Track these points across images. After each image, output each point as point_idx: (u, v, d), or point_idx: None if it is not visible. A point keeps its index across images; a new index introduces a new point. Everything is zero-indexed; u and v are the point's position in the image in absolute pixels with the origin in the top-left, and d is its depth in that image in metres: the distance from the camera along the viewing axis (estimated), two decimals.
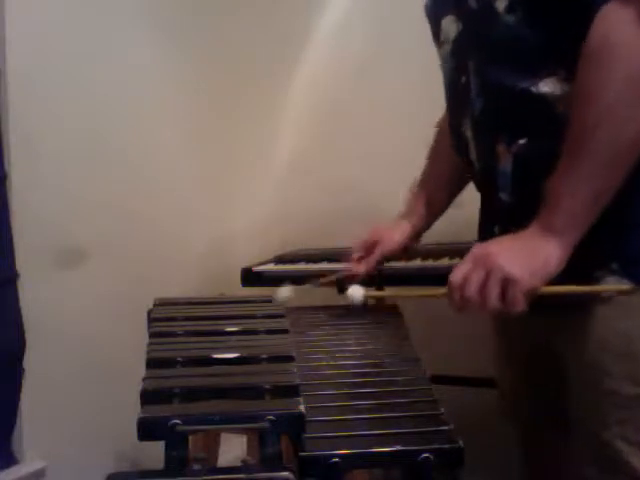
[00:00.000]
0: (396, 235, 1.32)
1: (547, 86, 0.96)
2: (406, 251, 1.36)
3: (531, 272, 0.91)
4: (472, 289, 0.92)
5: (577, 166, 0.90)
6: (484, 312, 0.93)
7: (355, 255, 1.34)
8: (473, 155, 1.10)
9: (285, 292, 1.30)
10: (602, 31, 0.87)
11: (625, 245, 0.96)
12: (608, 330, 0.97)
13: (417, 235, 1.34)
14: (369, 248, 1.33)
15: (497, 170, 1.04)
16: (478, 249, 0.95)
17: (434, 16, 1.13)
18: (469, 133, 1.10)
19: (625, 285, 0.94)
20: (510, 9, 0.96)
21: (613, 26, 0.87)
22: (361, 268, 1.31)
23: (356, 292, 1.22)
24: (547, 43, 0.95)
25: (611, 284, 0.96)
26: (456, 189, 1.29)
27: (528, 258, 0.91)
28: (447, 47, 1.11)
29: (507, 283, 0.90)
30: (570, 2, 0.92)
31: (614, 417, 0.97)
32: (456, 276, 0.94)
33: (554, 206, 0.92)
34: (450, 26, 1.08)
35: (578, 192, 0.90)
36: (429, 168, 1.33)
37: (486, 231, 1.14)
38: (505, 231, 1.07)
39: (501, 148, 1.02)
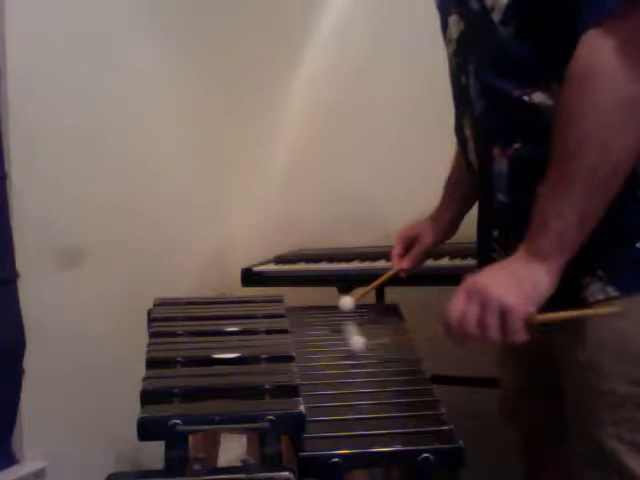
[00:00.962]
0: (432, 232, 1.34)
1: (539, 97, 0.96)
2: (441, 246, 1.38)
3: (524, 299, 0.91)
4: (471, 324, 0.92)
5: (561, 189, 0.90)
6: (486, 343, 0.93)
7: (395, 254, 1.35)
8: (472, 155, 1.11)
9: (347, 303, 1.30)
10: (586, 55, 0.87)
11: (611, 252, 0.96)
12: (604, 330, 0.96)
13: (451, 230, 1.35)
14: (409, 244, 1.35)
15: (493, 171, 1.04)
16: (469, 282, 0.94)
17: (443, 12, 1.13)
18: (468, 133, 1.10)
19: (615, 308, 0.94)
20: (504, 22, 0.97)
21: (597, 51, 0.87)
22: (404, 264, 1.33)
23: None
24: (539, 57, 0.95)
25: (600, 294, 0.96)
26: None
27: (519, 285, 0.91)
28: (452, 45, 1.11)
29: (504, 313, 0.90)
30: (560, 20, 0.92)
31: (610, 417, 0.97)
32: (452, 313, 0.93)
33: (540, 229, 0.92)
34: (454, 24, 1.08)
35: (564, 215, 0.90)
36: (454, 168, 1.33)
37: (484, 231, 1.14)
38: (503, 232, 1.07)
39: (497, 151, 1.03)
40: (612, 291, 0.95)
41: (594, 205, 0.90)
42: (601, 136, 0.87)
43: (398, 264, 1.35)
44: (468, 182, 1.28)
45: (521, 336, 0.91)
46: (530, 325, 0.92)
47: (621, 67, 0.85)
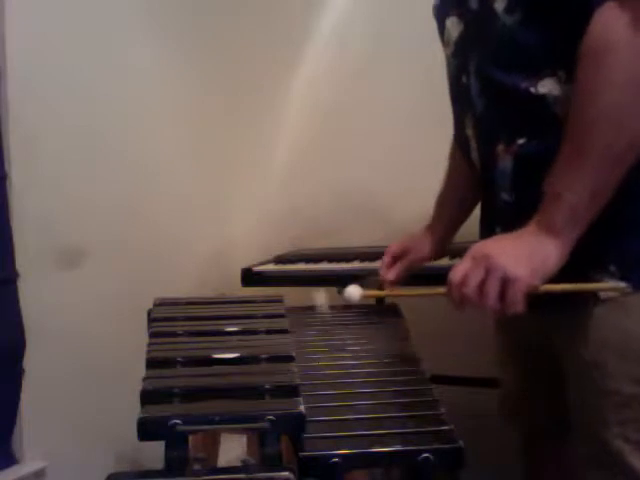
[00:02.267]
0: (425, 246, 1.33)
1: (545, 87, 0.96)
2: (434, 260, 1.37)
3: (531, 271, 0.91)
4: (471, 287, 0.92)
5: (575, 163, 0.90)
6: (483, 310, 0.93)
7: (383, 265, 1.34)
8: (474, 155, 1.11)
9: (322, 299, 1.30)
10: (600, 31, 0.87)
11: (623, 248, 0.96)
12: (608, 329, 0.97)
13: (444, 245, 1.34)
14: (399, 256, 1.33)
15: (497, 170, 1.04)
16: (477, 247, 0.95)
17: (440, 16, 1.13)
18: (470, 132, 1.10)
19: (621, 285, 0.94)
20: (509, 10, 0.97)
21: (611, 26, 0.87)
22: (390, 275, 1.32)
23: (353, 292, 1.23)
24: (545, 44, 0.95)
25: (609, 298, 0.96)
26: (477, 197, 1.29)
27: (527, 257, 0.91)
28: (450, 47, 1.11)
29: (507, 283, 0.90)
30: (568, 3, 0.92)
31: (614, 417, 0.97)
32: (456, 274, 0.94)
33: (552, 203, 0.92)
34: (453, 26, 1.09)
35: (576, 189, 0.90)
36: (448, 178, 1.33)
37: (487, 231, 1.15)
38: (506, 231, 1.07)
39: (500, 148, 1.03)
40: (623, 285, 0.95)
41: (607, 181, 0.90)
42: (616, 112, 0.87)
43: (383, 275, 1.33)
44: (457, 201, 1.28)
45: (519, 308, 0.91)
46: (530, 296, 0.91)
47: (636, 43, 0.85)
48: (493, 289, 0.91)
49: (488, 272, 0.91)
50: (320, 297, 1.29)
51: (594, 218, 0.91)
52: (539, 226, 0.92)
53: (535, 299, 0.92)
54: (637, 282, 0.95)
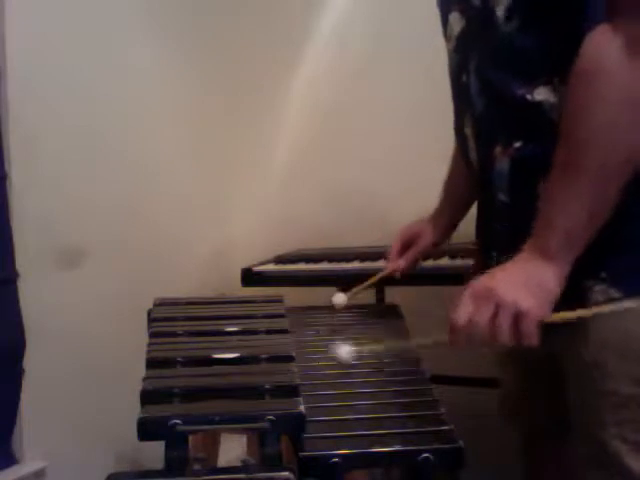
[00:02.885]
0: (431, 232, 1.35)
1: (541, 95, 0.96)
2: (439, 248, 1.39)
3: (539, 302, 0.89)
4: (481, 327, 0.89)
5: (568, 186, 0.89)
6: (495, 347, 0.92)
7: (393, 252, 1.35)
8: (473, 155, 1.10)
9: (340, 299, 1.34)
10: (592, 53, 0.87)
11: (614, 255, 0.96)
12: (608, 330, 0.96)
13: (443, 240, 1.36)
14: (406, 245, 1.35)
15: (494, 171, 1.04)
16: (477, 286, 0.92)
17: (443, 10, 1.13)
18: (469, 132, 1.10)
19: (619, 303, 0.94)
20: (508, 16, 0.97)
21: (603, 49, 0.86)
22: (401, 264, 1.34)
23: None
24: (542, 49, 0.95)
25: (603, 296, 0.95)
26: (474, 197, 1.29)
27: (531, 287, 0.89)
28: (452, 42, 1.11)
29: (519, 317, 0.88)
30: (566, 15, 0.92)
31: (612, 417, 0.97)
32: (461, 317, 0.91)
33: (546, 227, 0.91)
34: (455, 22, 1.08)
35: (571, 212, 0.89)
36: (451, 171, 1.34)
37: (485, 231, 1.14)
38: (503, 230, 1.07)
39: (498, 150, 1.02)
40: (614, 292, 0.95)
41: (602, 202, 0.89)
42: (609, 134, 0.86)
43: (394, 262, 1.36)
44: (464, 186, 1.28)
45: (535, 340, 0.89)
46: (541, 326, 0.90)
47: (627, 66, 0.85)
48: (505, 325, 0.88)
49: (498, 308, 0.88)
50: (340, 298, 1.32)
51: (591, 238, 0.90)
52: (535, 252, 0.91)
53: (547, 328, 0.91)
54: (628, 288, 0.94)
